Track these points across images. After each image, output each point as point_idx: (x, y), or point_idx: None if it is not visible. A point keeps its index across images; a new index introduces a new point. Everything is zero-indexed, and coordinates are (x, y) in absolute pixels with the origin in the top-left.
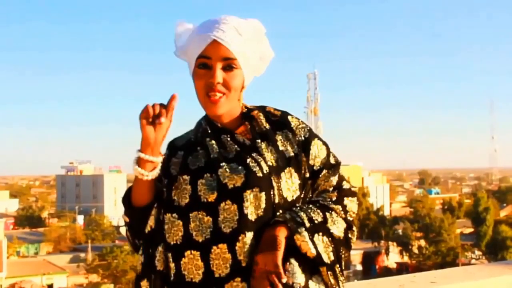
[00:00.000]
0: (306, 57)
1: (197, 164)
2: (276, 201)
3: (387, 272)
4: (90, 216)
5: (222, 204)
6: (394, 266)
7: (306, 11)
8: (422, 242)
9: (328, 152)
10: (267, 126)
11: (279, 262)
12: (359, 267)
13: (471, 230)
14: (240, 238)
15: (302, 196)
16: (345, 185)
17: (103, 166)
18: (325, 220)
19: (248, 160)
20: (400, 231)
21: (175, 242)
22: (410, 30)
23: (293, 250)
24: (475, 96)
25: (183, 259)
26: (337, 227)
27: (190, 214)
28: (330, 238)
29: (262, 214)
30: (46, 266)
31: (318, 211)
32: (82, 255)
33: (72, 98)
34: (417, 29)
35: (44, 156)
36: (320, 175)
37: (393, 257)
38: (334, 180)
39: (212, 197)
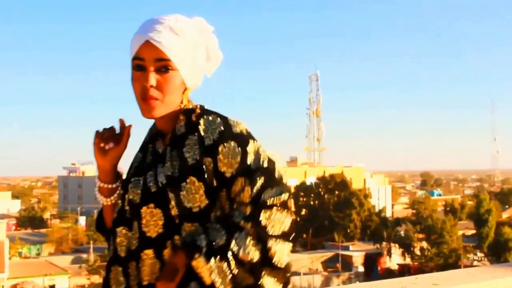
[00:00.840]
0: (308, 58)
1: (127, 177)
2: (176, 213)
3: (389, 273)
4: (92, 217)
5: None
6: (396, 267)
7: (309, 12)
8: (424, 244)
9: (244, 156)
10: (183, 130)
11: None
12: (361, 269)
13: (473, 232)
14: (141, 256)
15: (214, 206)
16: (267, 196)
17: None
18: (227, 242)
19: (149, 173)
20: (402, 233)
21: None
22: (412, 30)
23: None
24: (477, 97)
25: (109, 273)
26: (245, 249)
27: (117, 229)
28: (234, 263)
29: (162, 231)
30: (48, 267)
31: (223, 232)
32: (84, 256)
33: (74, 98)
34: (419, 29)
35: (46, 157)
36: (234, 183)
37: (395, 258)
38: (250, 189)
39: (128, 212)
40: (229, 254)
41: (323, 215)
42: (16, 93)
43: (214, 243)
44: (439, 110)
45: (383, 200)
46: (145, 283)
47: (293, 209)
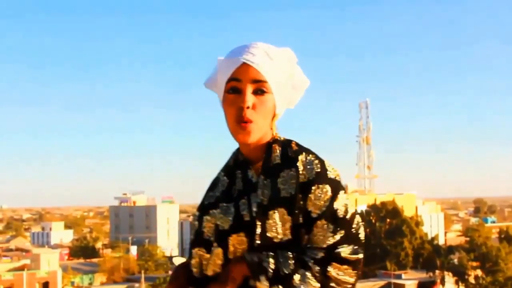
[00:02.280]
0: (358, 85)
1: (210, 200)
2: (258, 243)
3: None
4: (144, 246)
5: (213, 247)
6: None
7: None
8: (479, 272)
9: (333, 202)
10: (279, 161)
11: None
12: None
13: None
14: None
15: (295, 242)
16: (342, 250)
17: (156, 196)
18: (292, 274)
19: (241, 201)
20: (455, 261)
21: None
22: (473, 52)
23: None
24: None
25: None
26: (306, 287)
27: (192, 250)
28: None
29: None
30: None
31: (292, 263)
32: (136, 285)
33: (125, 129)
34: (482, 50)
35: (98, 187)
36: (315, 225)
37: (448, 287)
38: (331, 238)
39: (210, 236)
40: (292, 285)
41: (375, 243)
42: (67, 124)
43: (280, 271)
44: (491, 136)
45: (435, 227)
46: None
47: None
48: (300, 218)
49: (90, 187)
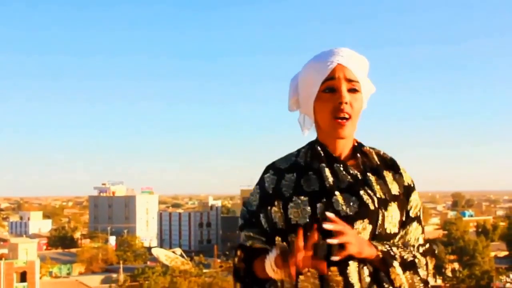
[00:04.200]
0: None
1: (312, 187)
2: (379, 232)
3: None
4: (122, 237)
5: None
6: None
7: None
8: (456, 265)
9: (421, 210)
10: (378, 162)
11: (359, 255)
12: None
13: (506, 253)
14: (348, 265)
15: (398, 235)
16: (436, 247)
17: (135, 187)
18: (414, 261)
19: (362, 192)
20: None
21: None
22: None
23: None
24: (510, 117)
25: (300, 276)
26: (422, 272)
27: (288, 237)
28: (420, 279)
29: None
30: (78, 287)
31: (408, 252)
32: (114, 275)
33: (104, 120)
34: (454, 52)
35: (77, 177)
36: (412, 224)
37: None
38: (421, 238)
39: (297, 221)
40: (419, 270)
41: None
42: (48, 114)
43: (407, 259)
44: (470, 130)
45: None
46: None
47: None
48: (404, 216)
49: (69, 177)
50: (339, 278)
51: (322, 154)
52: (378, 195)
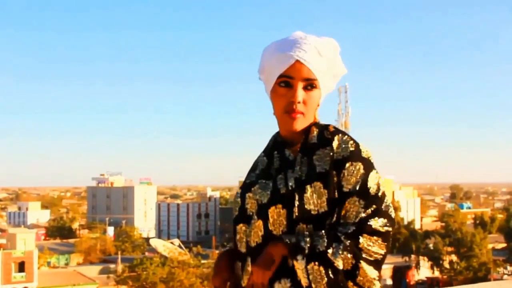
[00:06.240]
0: None
1: (251, 179)
2: (296, 215)
3: (417, 287)
4: (121, 227)
5: (253, 220)
6: (425, 280)
7: (337, 24)
8: (454, 257)
9: (365, 179)
10: (315, 141)
11: (266, 281)
12: (389, 282)
13: (504, 245)
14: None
15: (331, 214)
16: (373, 223)
17: (134, 178)
18: (326, 250)
19: (279, 176)
20: (431, 246)
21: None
22: (444, 42)
23: (291, 271)
24: (507, 110)
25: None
26: (338, 261)
27: (237, 226)
28: (329, 270)
29: (286, 230)
30: (76, 277)
31: (324, 239)
32: (112, 266)
33: (104, 110)
34: (453, 41)
35: (75, 168)
36: (348, 200)
37: (424, 271)
38: (361, 212)
39: (253, 212)
40: (331, 261)
41: None
42: (46, 103)
43: (315, 249)
44: (469, 122)
45: (412, 212)
46: None
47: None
48: (335, 193)
49: (67, 167)
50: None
51: (271, 143)
52: (297, 176)
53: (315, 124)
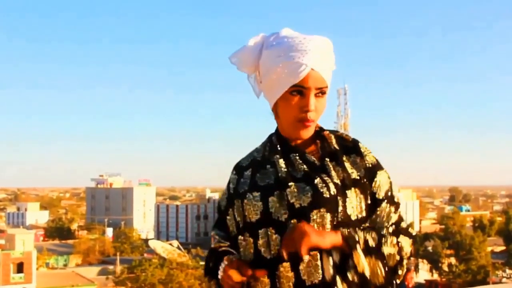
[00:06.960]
0: (336, 71)
1: (267, 181)
2: (340, 218)
3: None
4: (119, 228)
5: (289, 224)
6: (424, 283)
7: (337, 27)
8: (453, 260)
9: (391, 188)
10: (337, 147)
11: (303, 253)
12: None
13: (503, 248)
14: (304, 258)
15: (367, 220)
16: (404, 225)
17: (133, 179)
18: (379, 245)
19: (316, 180)
20: (430, 248)
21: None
22: (442, 47)
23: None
24: (506, 113)
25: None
26: (389, 250)
27: (259, 231)
28: (385, 264)
29: None
30: (75, 278)
31: (375, 234)
32: (111, 267)
33: (103, 111)
34: (448, 46)
35: (74, 169)
36: (381, 206)
37: (422, 274)
38: (393, 217)
39: (284, 216)
40: (382, 253)
41: None
42: (46, 104)
43: (369, 243)
44: (467, 126)
45: (410, 215)
46: (308, 283)
47: None
48: (369, 199)
49: (66, 168)
50: (290, 274)
51: (278, 146)
52: (336, 181)
53: (322, 129)
